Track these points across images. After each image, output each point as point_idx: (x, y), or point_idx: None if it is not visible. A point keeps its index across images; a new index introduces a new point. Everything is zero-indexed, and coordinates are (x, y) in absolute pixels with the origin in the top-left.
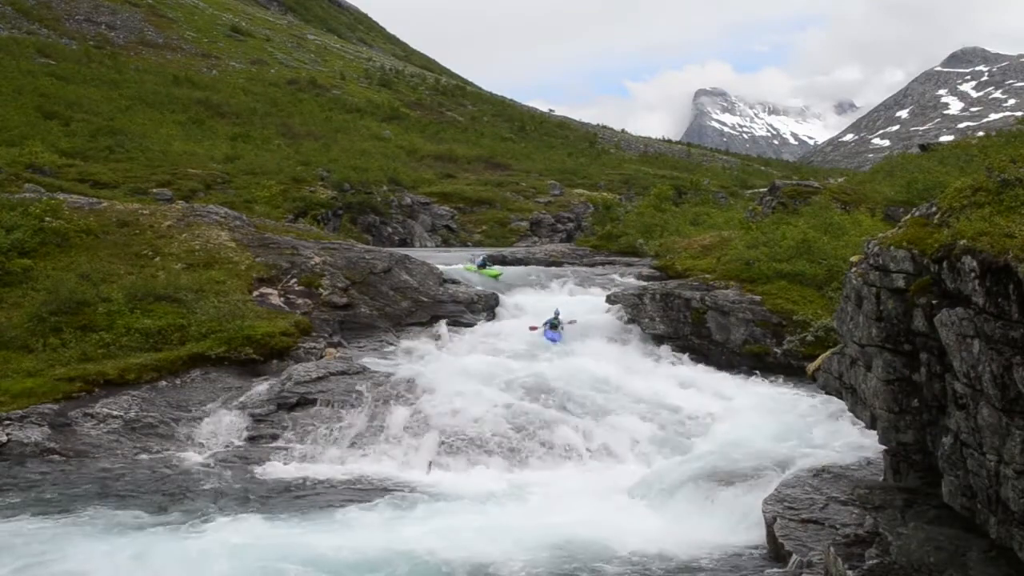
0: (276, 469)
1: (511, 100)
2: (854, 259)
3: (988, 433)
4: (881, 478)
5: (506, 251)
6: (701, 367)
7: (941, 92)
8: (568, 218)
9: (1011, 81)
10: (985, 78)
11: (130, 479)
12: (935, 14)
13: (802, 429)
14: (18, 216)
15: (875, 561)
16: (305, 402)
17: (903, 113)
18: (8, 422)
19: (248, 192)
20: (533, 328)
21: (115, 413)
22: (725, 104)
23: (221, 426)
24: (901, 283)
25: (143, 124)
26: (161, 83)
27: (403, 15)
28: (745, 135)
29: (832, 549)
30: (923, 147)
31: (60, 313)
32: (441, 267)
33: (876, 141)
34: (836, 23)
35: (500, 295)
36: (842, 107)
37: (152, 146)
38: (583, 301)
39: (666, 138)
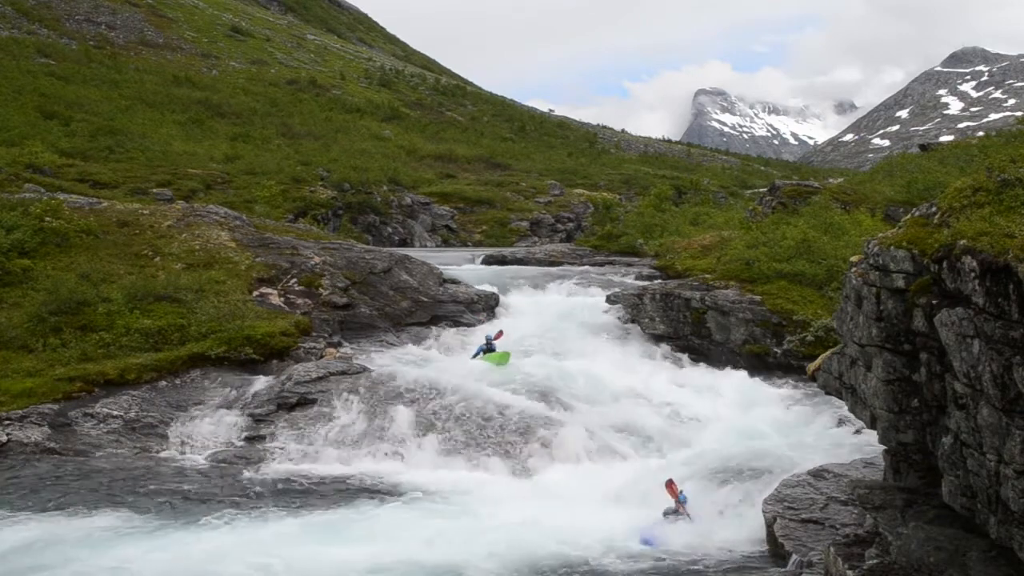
0: (276, 469)
1: (511, 100)
2: (854, 259)
3: (988, 433)
4: (881, 478)
5: (506, 251)
6: (701, 367)
7: (941, 92)
8: (568, 218)
9: (1011, 81)
10: (985, 78)
11: (130, 479)
12: (935, 14)
13: (801, 429)
14: (18, 216)
15: (875, 561)
16: (305, 402)
17: (903, 113)
18: (8, 422)
19: (248, 192)
20: None
21: (115, 413)
22: (725, 104)
23: (221, 426)
24: (901, 283)
25: (143, 124)
26: (161, 83)
27: (403, 15)
28: (745, 135)
29: (832, 549)
30: (923, 147)
31: (60, 313)
32: (441, 267)
33: (876, 141)
34: (835, 23)
35: (500, 295)
36: (842, 107)
37: (152, 146)
38: (583, 301)
39: (666, 138)
